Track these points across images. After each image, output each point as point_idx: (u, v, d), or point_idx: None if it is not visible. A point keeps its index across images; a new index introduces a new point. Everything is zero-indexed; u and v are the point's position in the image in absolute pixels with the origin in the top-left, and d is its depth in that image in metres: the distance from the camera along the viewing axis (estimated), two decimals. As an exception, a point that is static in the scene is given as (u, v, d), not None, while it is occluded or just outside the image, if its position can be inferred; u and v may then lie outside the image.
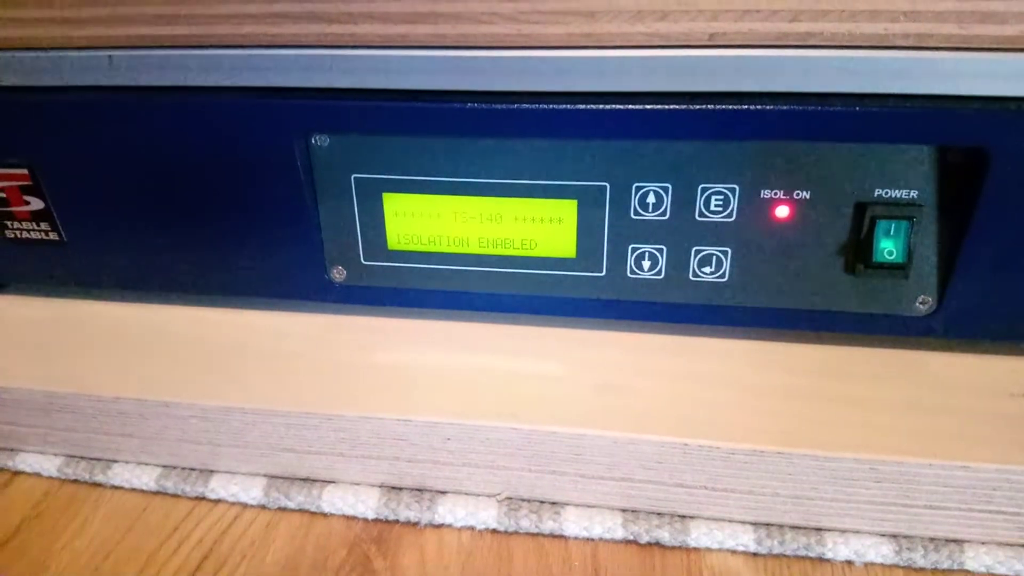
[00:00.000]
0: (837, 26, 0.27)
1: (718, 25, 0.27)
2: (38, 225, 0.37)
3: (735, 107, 0.29)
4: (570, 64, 0.29)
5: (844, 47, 0.27)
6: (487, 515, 0.32)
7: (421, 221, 0.34)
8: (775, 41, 0.27)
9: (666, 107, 0.29)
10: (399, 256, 0.35)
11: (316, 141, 0.33)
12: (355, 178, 0.33)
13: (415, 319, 0.37)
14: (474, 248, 0.34)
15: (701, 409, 0.31)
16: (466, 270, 0.35)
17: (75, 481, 0.35)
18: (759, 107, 0.29)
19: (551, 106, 0.30)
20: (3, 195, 0.37)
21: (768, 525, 0.31)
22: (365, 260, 0.35)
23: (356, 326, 0.37)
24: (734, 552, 0.31)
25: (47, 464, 0.36)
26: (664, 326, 0.35)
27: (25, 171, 0.35)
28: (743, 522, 0.31)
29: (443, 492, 0.33)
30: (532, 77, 0.29)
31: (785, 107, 0.28)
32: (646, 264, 0.33)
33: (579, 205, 0.32)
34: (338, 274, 0.36)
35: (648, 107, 0.29)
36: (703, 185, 0.31)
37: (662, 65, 0.28)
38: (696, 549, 0.31)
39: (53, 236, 0.37)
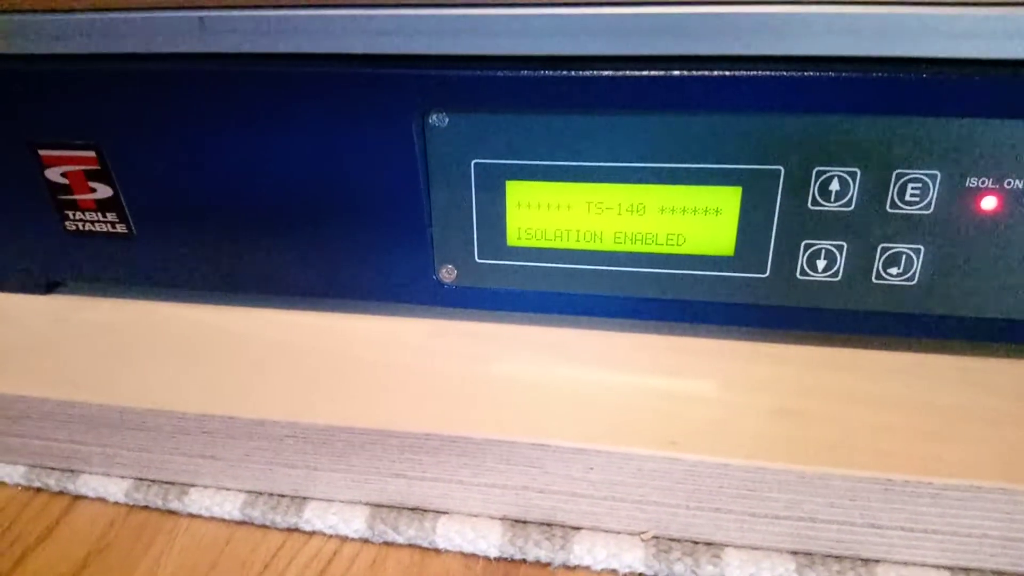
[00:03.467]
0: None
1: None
2: (104, 216, 0.33)
3: (947, 76, 0.24)
4: (740, 23, 0.24)
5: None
6: (633, 557, 0.27)
7: (548, 213, 0.29)
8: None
9: (861, 75, 0.24)
10: (519, 254, 0.30)
11: (433, 120, 0.28)
12: (475, 164, 0.29)
13: (537, 326, 0.32)
14: (608, 245, 0.30)
15: (899, 438, 0.26)
16: (598, 270, 0.30)
17: (145, 508, 0.31)
18: (978, 77, 0.24)
19: (716, 72, 0.25)
20: (66, 181, 0.32)
21: (968, 570, 0.26)
22: (480, 258, 0.31)
23: (468, 333, 0.32)
24: (927, 603, 0.26)
25: (113, 488, 0.31)
26: (839, 338, 0.30)
27: (92, 153, 0.31)
28: (938, 566, 0.26)
29: (576, 528, 0.28)
30: (692, 39, 0.25)
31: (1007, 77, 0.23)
32: (821, 264, 0.28)
33: (744, 193, 0.27)
34: (448, 274, 0.31)
35: (837, 74, 0.24)
36: (899, 170, 0.26)
37: (856, 24, 0.24)
38: (883, 600, 0.26)
39: (121, 228, 0.33)
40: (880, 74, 0.24)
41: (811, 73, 0.25)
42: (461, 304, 0.32)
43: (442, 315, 0.33)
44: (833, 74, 0.25)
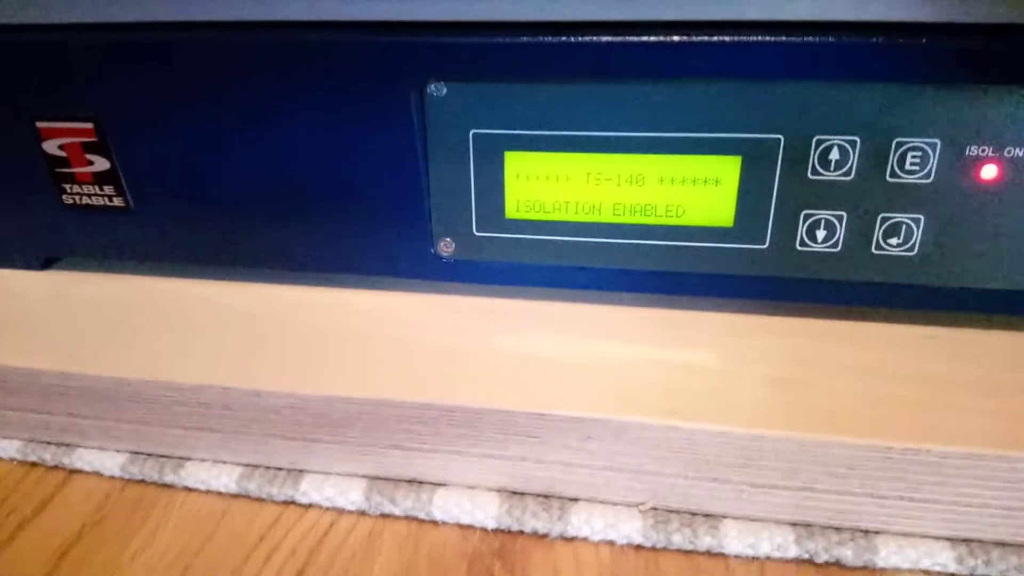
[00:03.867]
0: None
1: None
2: (101, 189, 0.33)
3: (948, 42, 0.24)
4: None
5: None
6: (631, 528, 0.27)
7: (547, 184, 0.29)
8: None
9: (861, 41, 0.24)
10: (518, 226, 0.30)
11: (431, 90, 0.28)
12: (474, 134, 0.29)
13: (535, 299, 0.32)
14: (607, 216, 0.29)
15: (898, 407, 0.26)
16: (598, 242, 0.30)
17: (141, 481, 0.31)
18: (978, 44, 0.24)
19: (715, 39, 0.25)
20: (63, 154, 0.32)
21: (969, 541, 0.26)
22: (478, 231, 0.31)
23: (466, 307, 0.32)
24: (928, 573, 0.26)
25: (109, 462, 0.31)
26: (837, 310, 0.30)
27: (90, 125, 0.31)
28: (939, 537, 0.26)
29: (574, 499, 0.28)
30: (692, 4, 0.25)
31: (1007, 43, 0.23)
32: (820, 234, 0.28)
33: (743, 162, 0.27)
34: (446, 247, 0.31)
35: (837, 40, 0.24)
36: (899, 139, 0.26)
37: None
38: (883, 570, 0.26)
39: (118, 202, 0.33)
40: (880, 40, 0.24)
41: (811, 39, 0.25)
42: (459, 278, 0.32)
43: (440, 288, 0.33)
44: (833, 40, 0.25)
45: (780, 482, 0.26)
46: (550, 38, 0.26)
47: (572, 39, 0.26)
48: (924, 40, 0.24)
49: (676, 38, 0.25)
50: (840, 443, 0.24)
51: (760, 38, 0.25)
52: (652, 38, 0.25)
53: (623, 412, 0.26)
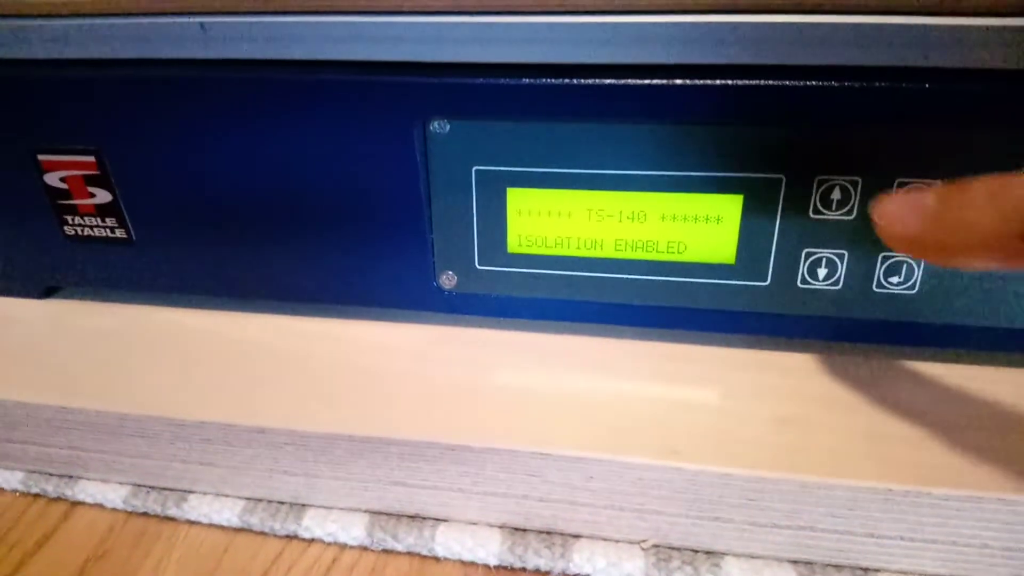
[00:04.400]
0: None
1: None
2: (103, 221, 0.33)
3: (949, 85, 0.24)
4: (742, 32, 0.24)
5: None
6: (633, 566, 0.27)
7: (549, 220, 0.29)
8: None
9: (863, 84, 0.24)
10: (520, 260, 0.30)
11: (435, 127, 0.28)
12: (476, 170, 0.29)
13: (536, 332, 0.32)
14: (609, 252, 0.29)
15: (899, 447, 0.26)
16: (599, 277, 0.30)
17: (144, 514, 0.31)
18: (978, 86, 0.24)
19: (718, 82, 0.25)
20: (65, 186, 0.32)
21: (967, 581, 0.26)
22: (480, 265, 0.31)
23: (468, 339, 0.32)
24: (925, 612, 0.26)
25: (112, 494, 0.31)
26: (839, 346, 0.30)
27: (92, 158, 0.31)
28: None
29: (576, 536, 0.28)
30: (692, 49, 0.25)
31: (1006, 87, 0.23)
32: (822, 272, 0.28)
33: (745, 201, 0.27)
34: (448, 280, 0.31)
35: (839, 84, 0.24)
36: (900, 179, 0.26)
37: (864, 34, 0.24)
38: (882, 608, 0.26)
39: (120, 234, 0.33)
40: (881, 83, 0.24)
41: (813, 83, 0.25)
42: (461, 311, 0.32)
43: (442, 322, 0.33)
44: (835, 83, 0.25)
45: (782, 521, 0.26)
46: (551, 80, 0.26)
47: (573, 81, 0.26)
48: (925, 84, 0.24)
49: (678, 81, 0.25)
50: (842, 485, 0.24)
51: (760, 82, 0.25)
52: (653, 81, 0.25)
53: (626, 452, 0.26)
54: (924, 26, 0.23)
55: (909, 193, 0.22)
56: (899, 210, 0.22)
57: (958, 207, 0.20)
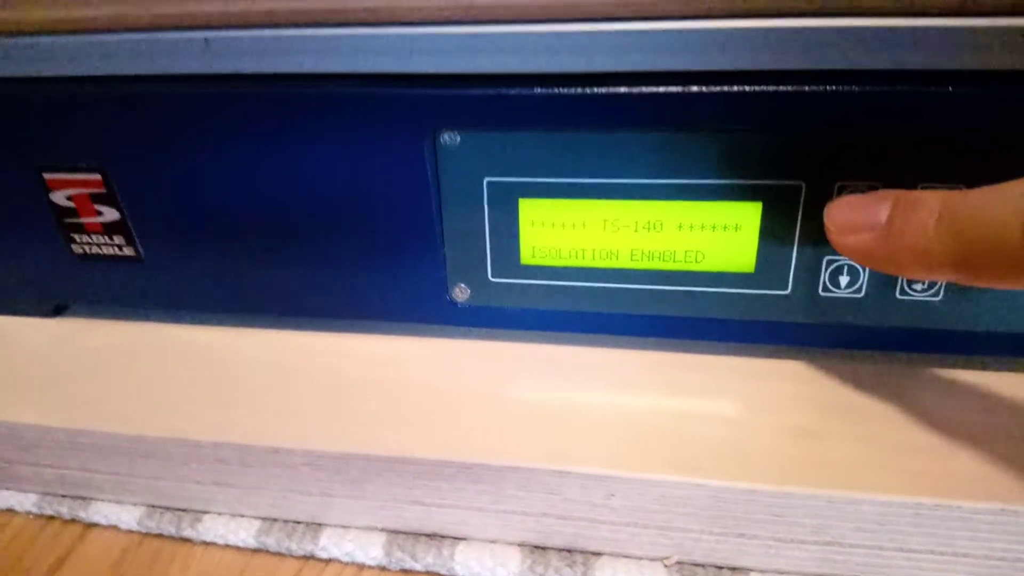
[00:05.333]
0: None
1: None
2: (111, 239, 0.32)
3: (969, 90, 0.23)
4: (753, 37, 0.24)
5: None
6: (656, 582, 0.27)
7: (562, 231, 0.29)
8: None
9: (883, 89, 0.24)
10: (534, 272, 0.30)
11: (445, 139, 0.27)
12: (488, 182, 0.28)
13: (551, 344, 0.32)
14: (625, 263, 0.29)
15: (926, 458, 0.25)
16: (615, 288, 0.29)
17: (159, 535, 0.31)
18: (996, 91, 0.23)
19: (735, 88, 0.24)
20: (71, 204, 0.32)
21: (999, 595, 0.25)
22: (493, 277, 0.30)
23: (482, 352, 0.32)
24: (955, 626, 0.25)
25: (126, 516, 0.31)
26: (861, 355, 0.29)
27: (98, 176, 0.31)
28: (969, 591, 0.26)
29: (597, 554, 0.28)
30: (707, 54, 0.24)
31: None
32: (843, 280, 0.27)
33: (764, 208, 0.27)
34: (461, 293, 0.31)
35: (858, 88, 0.24)
36: (923, 184, 0.25)
37: (886, 37, 0.23)
38: (914, 624, 0.25)
39: (128, 252, 0.32)
40: (903, 88, 0.24)
41: (831, 87, 0.24)
42: (475, 323, 0.31)
43: (456, 335, 0.33)
44: (855, 88, 0.24)
45: (808, 537, 0.25)
46: (562, 89, 0.25)
47: (585, 90, 0.25)
48: (947, 87, 0.24)
49: (693, 88, 0.25)
50: (871, 501, 0.24)
51: (778, 88, 0.24)
52: (668, 88, 0.25)
53: (647, 469, 0.25)
54: (950, 28, 0.22)
55: (860, 202, 0.22)
56: (850, 221, 0.22)
57: (908, 231, 0.20)
